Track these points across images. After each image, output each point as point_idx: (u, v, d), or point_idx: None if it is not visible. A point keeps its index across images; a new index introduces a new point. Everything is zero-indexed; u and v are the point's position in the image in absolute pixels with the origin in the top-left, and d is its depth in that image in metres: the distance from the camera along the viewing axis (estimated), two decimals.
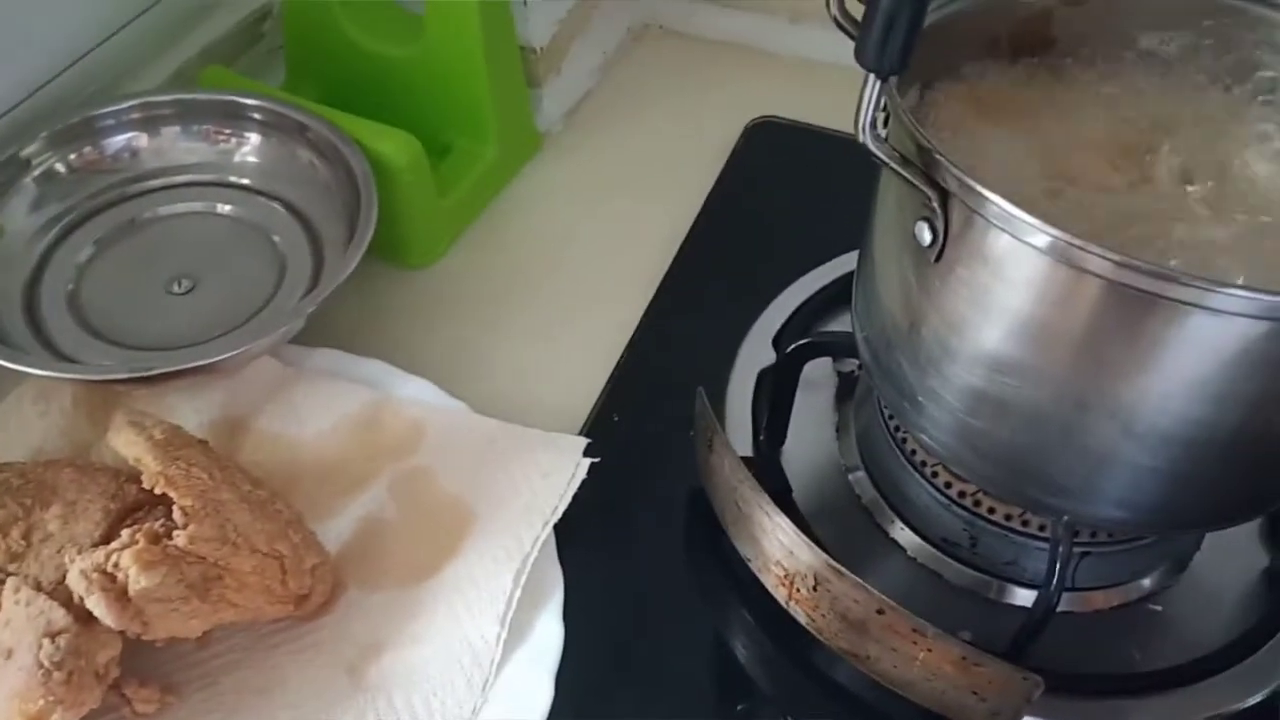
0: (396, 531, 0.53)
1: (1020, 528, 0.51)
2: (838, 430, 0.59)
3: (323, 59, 0.71)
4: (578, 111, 0.80)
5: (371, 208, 0.59)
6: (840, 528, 0.54)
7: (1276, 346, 0.36)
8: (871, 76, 0.37)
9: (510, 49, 0.70)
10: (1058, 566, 0.46)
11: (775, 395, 0.56)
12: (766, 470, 0.56)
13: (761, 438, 0.57)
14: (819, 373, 0.60)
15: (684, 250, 0.69)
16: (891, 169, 0.39)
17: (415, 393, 0.57)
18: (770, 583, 0.50)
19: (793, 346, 0.54)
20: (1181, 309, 0.36)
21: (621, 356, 0.63)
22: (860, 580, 0.44)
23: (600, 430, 0.58)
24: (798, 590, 0.48)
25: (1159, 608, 0.52)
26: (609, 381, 0.62)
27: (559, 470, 0.53)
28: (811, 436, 0.58)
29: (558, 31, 0.76)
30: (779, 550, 0.48)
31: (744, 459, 0.50)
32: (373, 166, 0.61)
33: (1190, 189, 0.45)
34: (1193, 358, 0.37)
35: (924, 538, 0.54)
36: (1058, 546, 0.46)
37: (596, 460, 0.53)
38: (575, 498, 0.52)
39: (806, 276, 0.64)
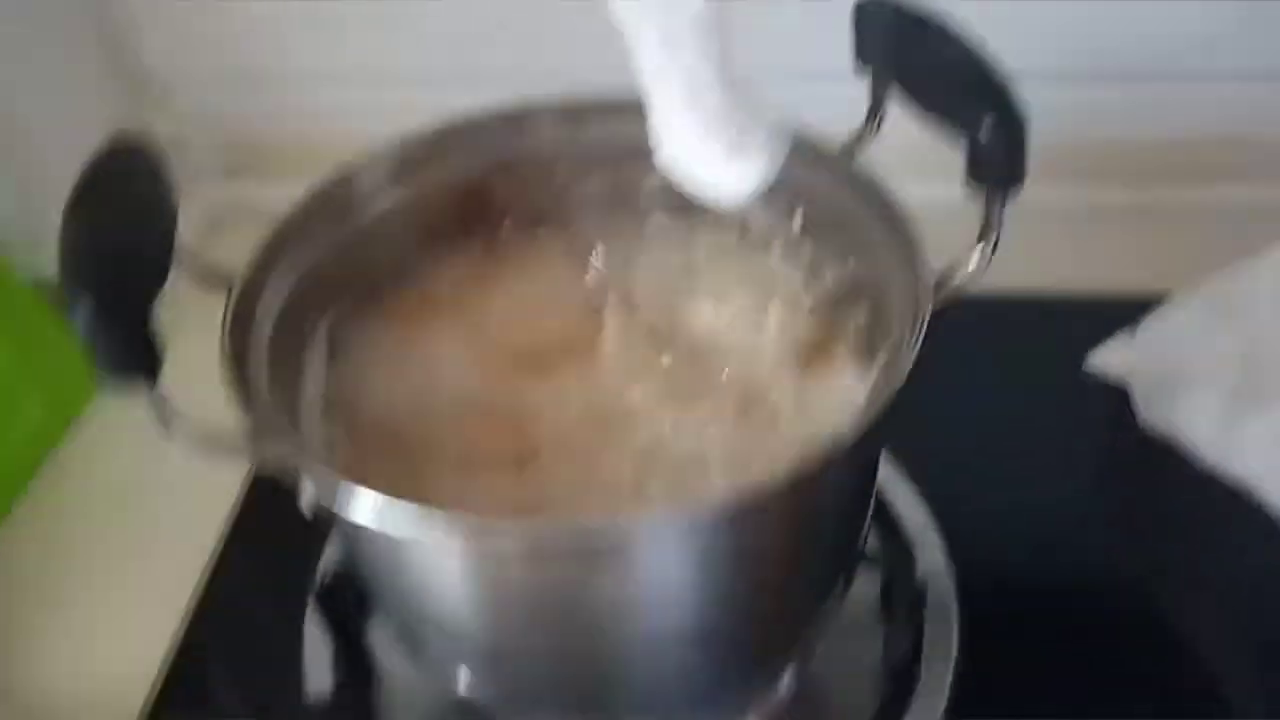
0: None
1: None
2: None
3: None
4: None
5: None
6: None
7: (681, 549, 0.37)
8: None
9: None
10: None
11: (337, 637, 0.52)
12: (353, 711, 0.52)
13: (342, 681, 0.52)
14: None
15: (250, 496, 0.60)
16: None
17: None
18: None
19: (319, 590, 0.50)
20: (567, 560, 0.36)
21: (180, 633, 0.54)
22: None
23: None
24: None
25: None
26: (166, 663, 0.53)
27: None
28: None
29: None
30: None
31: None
32: None
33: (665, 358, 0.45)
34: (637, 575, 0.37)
35: None
36: None
37: None
38: None
39: None
